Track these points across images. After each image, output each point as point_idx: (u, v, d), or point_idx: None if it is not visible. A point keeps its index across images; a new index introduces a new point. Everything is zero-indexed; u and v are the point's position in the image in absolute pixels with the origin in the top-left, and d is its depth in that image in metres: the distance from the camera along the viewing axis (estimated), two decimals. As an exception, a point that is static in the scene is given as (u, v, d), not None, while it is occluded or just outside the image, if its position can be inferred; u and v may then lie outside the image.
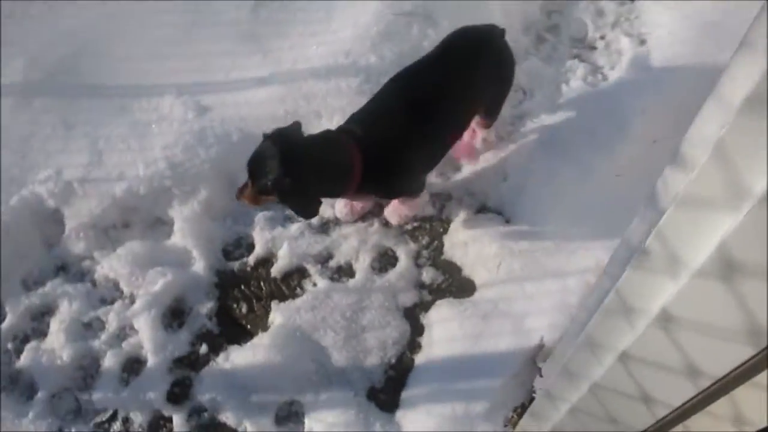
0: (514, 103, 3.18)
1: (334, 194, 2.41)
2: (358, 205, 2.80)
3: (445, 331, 2.54)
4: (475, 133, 2.89)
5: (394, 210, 2.79)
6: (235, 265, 2.83)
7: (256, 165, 2.21)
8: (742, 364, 1.08)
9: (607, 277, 1.54)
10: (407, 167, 2.45)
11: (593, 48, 3.38)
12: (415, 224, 2.85)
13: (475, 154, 2.93)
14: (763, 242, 0.89)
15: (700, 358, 1.18)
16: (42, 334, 2.74)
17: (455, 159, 2.94)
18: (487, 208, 2.84)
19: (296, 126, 2.27)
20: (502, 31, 2.58)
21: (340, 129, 2.37)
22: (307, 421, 2.48)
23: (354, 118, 2.41)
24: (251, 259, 2.83)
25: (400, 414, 2.46)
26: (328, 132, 2.36)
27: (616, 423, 1.58)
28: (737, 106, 0.83)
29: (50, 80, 3.21)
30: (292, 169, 2.13)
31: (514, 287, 2.58)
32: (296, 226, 2.84)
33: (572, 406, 1.75)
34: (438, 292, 2.71)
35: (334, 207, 2.84)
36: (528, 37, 3.42)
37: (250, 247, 2.87)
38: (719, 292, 1.00)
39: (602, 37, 3.41)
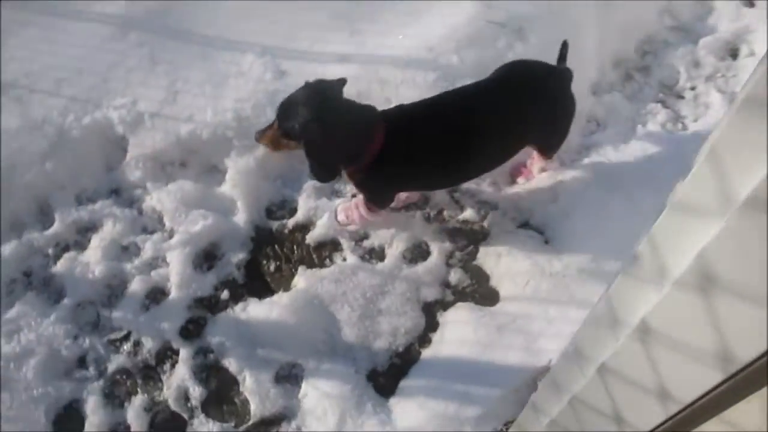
0: (585, 133, 3.15)
1: (345, 161, 2.41)
2: (363, 214, 2.75)
3: (458, 333, 2.53)
4: (534, 159, 2.85)
5: (348, 208, 2.76)
6: (275, 224, 2.90)
7: (287, 107, 2.28)
8: (710, 391, 1.04)
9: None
10: (406, 174, 2.47)
11: (680, 97, 3.31)
12: (457, 225, 2.85)
13: (533, 176, 2.90)
14: (741, 254, 0.86)
15: (671, 378, 1.14)
16: (82, 247, 2.86)
17: (511, 176, 2.93)
18: (529, 225, 2.81)
19: (340, 83, 2.32)
20: (570, 74, 2.53)
21: (382, 111, 2.42)
22: (304, 385, 2.50)
23: (397, 108, 2.45)
24: (290, 223, 2.89)
25: (394, 401, 2.45)
26: (367, 105, 2.39)
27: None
28: (734, 107, 0.80)
29: (147, 18, 3.37)
30: (322, 118, 2.17)
31: (537, 307, 2.54)
32: (341, 201, 2.87)
33: (552, 419, 1.72)
34: (461, 295, 2.70)
35: (336, 212, 2.85)
36: (616, 72, 3.38)
37: (293, 211, 2.93)
38: (695, 306, 0.96)
39: (692, 88, 3.34)
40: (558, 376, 1.68)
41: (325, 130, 2.20)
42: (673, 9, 3.60)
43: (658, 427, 1.18)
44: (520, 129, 2.49)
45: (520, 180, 2.91)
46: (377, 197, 2.62)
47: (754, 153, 0.78)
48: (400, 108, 2.45)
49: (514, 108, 2.42)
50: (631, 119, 3.20)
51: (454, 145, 2.37)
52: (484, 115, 2.39)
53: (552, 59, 3.09)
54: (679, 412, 1.10)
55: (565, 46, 2.58)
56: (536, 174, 2.89)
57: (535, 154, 2.78)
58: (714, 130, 0.85)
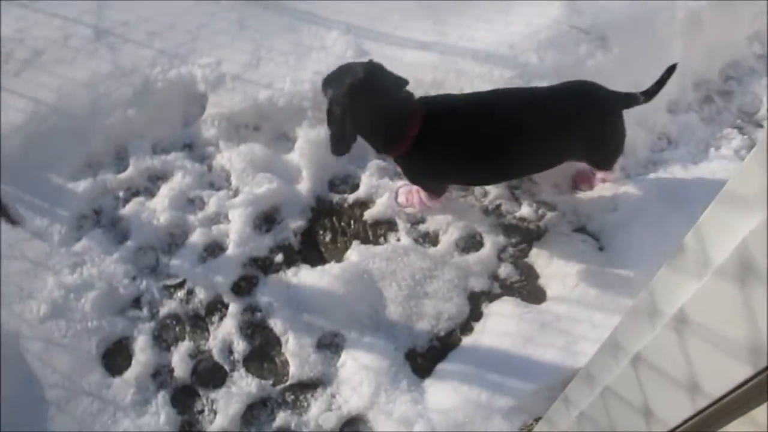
0: (654, 149, 3.14)
1: (378, 145, 2.51)
2: (423, 199, 2.82)
3: (501, 325, 2.56)
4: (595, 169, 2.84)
5: (409, 192, 2.84)
6: (336, 197, 2.97)
7: (336, 73, 2.37)
8: (740, 386, 1.05)
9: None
10: (442, 166, 2.50)
11: (759, 125, 3.26)
12: (513, 221, 2.87)
13: (595, 184, 2.91)
14: None
15: (702, 370, 1.15)
16: (151, 194, 2.98)
17: (573, 182, 2.94)
18: (585, 231, 2.82)
19: (400, 81, 2.41)
20: (629, 100, 2.52)
21: (426, 99, 2.48)
22: (343, 354, 2.57)
23: (442, 97, 2.50)
24: (351, 198, 2.96)
25: (428, 382, 2.50)
26: (409, 94, 2.43)
27: (617, 437, 1.56)
28: None
29: (241, -15, 3.49)
30: (352, 97, 2.26)
31: (583, 311, 2.55)
32: (403, 183, 2.92)
33: (581, 411, 1.73)
34: (508, 289, 2.73)
35: (397, 193, 2.92)
36: (696, 93, 3.34)
37: (355, 187, 3.00)
38: (732, 296, 0.98)
39: (773, 119, 3.28)
40: (592, 367, 1.70)
41: (349, 108, 2.27)
42: (763, 36, 3.53)
43: (686, 422, 1.20)
44: (560, 145, 2.50)
45: (583, 187, 2.92)
46: (420, 183, 2.68)
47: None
48: (445, 98, 2.50)
49: (559, 123, 2.43)
50: (705, 141, 3.17)
51: (489, 143, 2.41)
52: (527, 121, 2.42)
53: (631, 72, 3.10)
54: (708, 407, 1.11)
55: (671, 70, 2.56)
56: (598, 184, 2.89)
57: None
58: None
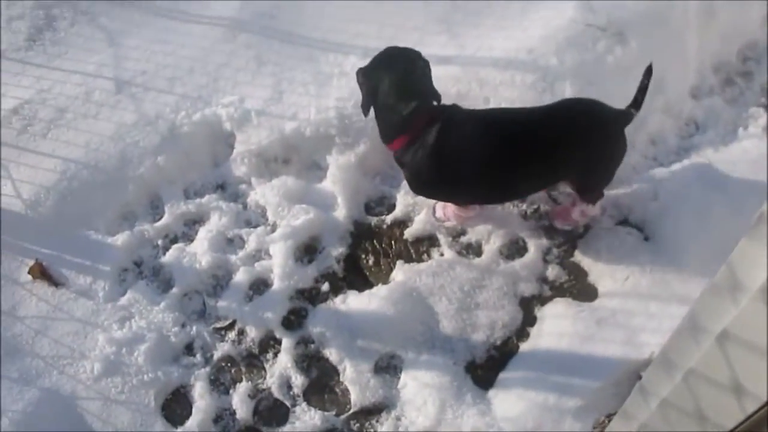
0: (684, 135, 3.14)
1: (382, 130, 2.58)
2: (455, 211, 2.83)
3: (556, 327, 2.54)
4: (575, 200, 2.76)
5: (445, 206, 2.86)
6: (373, 220, 2.97)
7: (386, 56, 2.54)
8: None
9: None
10: (432, 174, 2.50)
11: (784, 101, 3.26)
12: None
13: (571, 220, 2.82)
14: None
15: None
16: (189, 239, 2.99)
17: (549, 217, 2.89)
18: (628, 222, 2.81)
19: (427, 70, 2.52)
20: (625, 121, 2.46)
21: (443, 106, 2.51)
22: (403, 375, 2.55)
23: (450, 108, 2.52)
24: (389, 218, 2.96)
25: (492, 392, 2.48)
26: (429, 100, 2.48)
27: (705, 421, 1.53)
28: None
29: (256, 21, 3.52)
30: (383, 84, 2.45)
31: (638, 303, 2.53)
32: (439, 199, 2.92)
33: (662, 400, 1.70)
34: (559, 290, 2.71)
35: (434, 209, 2.92)
36: (717, 76, 3.34)
37: (391, 207, 3.00)
38: None
39: (797, 93, 3.27)
40: (669, 352, 1.67)
41: (368, 85, 2.49)
42: (776, 16, 3.54)
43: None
44: (556, 163, 2.47)
45: (559, 222, 2.86)
46: (421, 193, 2.69)
47: None
48: (452, 109, 2.50)
49: (557, 141, 2.40)
50: (732, 122, 3.17)
51: (485, 159, 2.41)
52: (524, 140, 2.40)
53: (653, 62, 3.10)
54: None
55: (648, 74, 2.47)
56: (577, 219, 2.81)
57: (576, 197, 2.73)
58: None
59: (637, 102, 2.46)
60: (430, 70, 2.55)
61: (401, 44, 3.25)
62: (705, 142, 3.08)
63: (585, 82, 3.02)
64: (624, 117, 2.46)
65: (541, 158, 2.42)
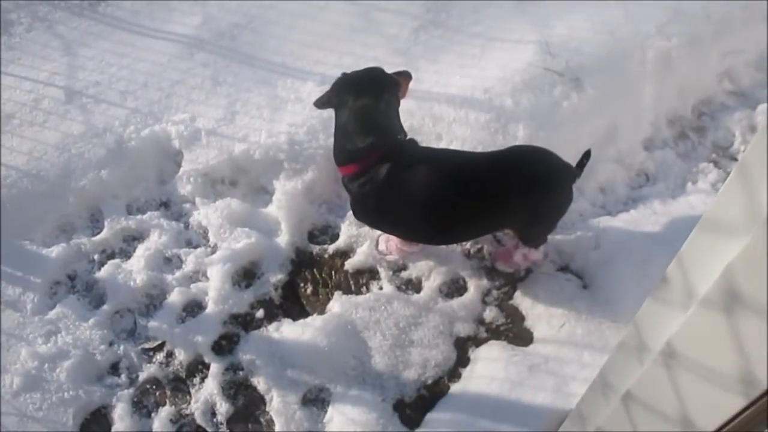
0: (633, 186, 3.15)
1: (335, 149, 2.50)
2: (398, 245, 2.80)
3: (489, 370, 2.50)
4: (518, 243, 2.73)
5: (388, 239, 2.84)
6: (316, 248, 2.92)
7: (365, 79, 2.51)
8: (733, 418, 1.01)
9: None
10: (373, 209, 2.48)
11: (734, 159, 3.28)
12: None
13: (513, 263, 2.79)
14: (765, 270, 0.84)
15: (694, 405, 1.11)
16: (127, 255, 2.92)
17: (493, 261, 2.86)
18: (569, 269, 2.80)
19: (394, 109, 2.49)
20: (573, 176, 2.47)
21: (400, 142, 2.46)
22: (330, 409, 2.50)
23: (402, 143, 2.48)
24: (331, 248, 2.91)
25: (418, 433, 2.43)
26: (389, 136, 2.43)
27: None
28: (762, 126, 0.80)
29: (216, 41, 3.49)
30: (348, 109, 2.42)
31: (571, 351, 2.51)
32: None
33: (576, 457, 1.68)
34: (495, 333, 2.68)
35: (378, 241, 2.89)
36: (671, 129, 3.37)
37: (334, 237, 2.96)
38: (719, 327, 0.95)
39: (747, 152, 3.29)
40: (583, 407, 1.65)
41: (337, 99, 2.46)
42: (733, 74, 3.59)
43: (681, 458, 1.15)
44: (500, 213, 2.44)
45: (499, 265, 2.83)
46: (361, 220, 2.65)
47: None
48: (407, 145, 2.48)
49: (503, 191, 2.38)
50: (682, 176, 3.19)
51: (430, 201, 2.38)
52: (471, 187, 2.37)
53: (607, 112, 3.13)
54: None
55: (587, 156, 2.51)
56: (519, 262, 2.78)
57: (518, 241, 2.70)
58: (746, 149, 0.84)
59: (578, 172, 2.51)
60: (398, 102, 2.54)
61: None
62: (654, 194, 3.08)
63: (538, 125, 3.02)
64: (572, 173, 2.46)
65: (486, 207, 2.40)
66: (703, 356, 1.03)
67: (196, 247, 2.93)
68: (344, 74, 2.52)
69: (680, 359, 1.08)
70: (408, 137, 2.51)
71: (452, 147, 2.94)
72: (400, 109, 3.01)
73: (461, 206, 2.38)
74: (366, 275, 2.84)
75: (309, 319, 2.70)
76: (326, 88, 3.17)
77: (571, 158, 2.48)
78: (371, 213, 2.53)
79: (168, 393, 2.59)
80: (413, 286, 2.80)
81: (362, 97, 2.40)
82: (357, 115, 2.39)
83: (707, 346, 1.02)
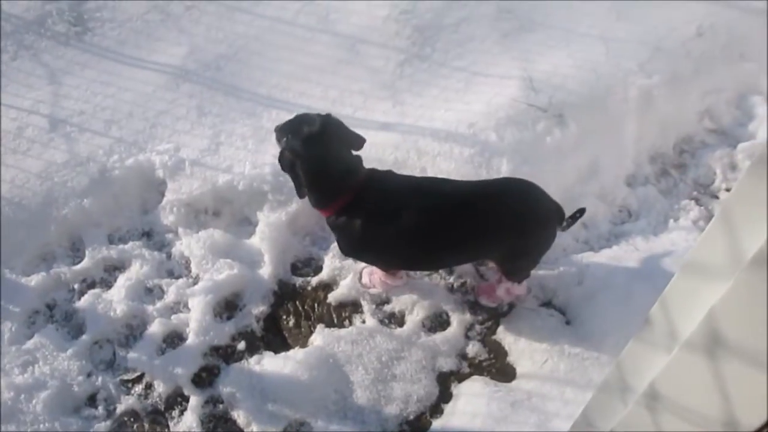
0: (616, 222, 3.16)
1: (312, 197, 2.44)
2: (382, 278, 2.80)
3: (471, 406, 2.49)
4: (501, 278, 2.71)
5: (371, 272, 2.83)
6: (298, 281, 2.91)
7: (296, 120, 2.43)
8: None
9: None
10: (363, 239, 2.43)
11: (715, 197, 3.31)
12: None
13: (496, 298, 2.79)
14: (747, 313, 0.85)
15: (677, 449, 1.11)
16: (107, 285, 2.90)
17: (476, 296, 2.85)
18: (551, 305, 2.79)
19: (359, 140, 2.45)
20: (561, 215, 2.48)
21: (373, 171, 2.48)
22: (310, 445, 2.47)
23: (385, 173, 2.49)
24: (314, 280, 2.90)
25: (399, 469, 2.40)
26: (359, 158, 2.44)
27: None
28: (745, 170, 0.80)
29: (201, 72, 3.48)
30: (303, 148, 2.32)
31: (554, 387, 2.50)
32: (367, 264, 2.88)
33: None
34: (477, 368, 2.66)
35: (361, 274, 2.88)
36: (652, 166, 3.39)
37: (318, 269, 2.94)
38: (702, 369, 0.95)
39: (728, 189, 3.33)
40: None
41: (301, 157, 2.33)
42: (713, 112, 3.63)
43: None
44: (485, 241, 2.44)
45: (482, 300, 2.82)
46: (352, 256, 2.66)
47: (763, 211, 0.79)
48: (389, 175, 2.49)
49: (490, 219, 2.38)
50: (664, 213, 3.20)
51: (415, 227, 2.37)
52: (457, 212, 2.36)
53: (589, 148, 3.16)
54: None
55: (580, 212, 2.56)
56: (501, 297, 2.77)
57: (501, 275, 2.69)
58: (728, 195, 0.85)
59: (567, 224, 2.54)
60: (340, 122, 2.47)
61: (346, 107, 3.29)
62: (636, 230, 3.10)
63: (522, 160, 3.05)
64: (560, 212, 2.47)
65: (472, 233, 2.38)
66: (686, 398, 1.03)
67: (177, 278, 2.91)
68: (277, 127, 2.49)
69: (663, 401, 1.08)
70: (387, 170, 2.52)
71: (436, 180, 2.95)
72: (387, 141, 3.04)
73: (448, 231, 2.37)
74: (349, 308, 2.82)
75: (291, 352, 2.67)
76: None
77: (554, 193, 2.49)
78: (358, 245, 2.50)
79: (146, 426, 2.55)
80: (396, 319, 2.79)
81: (314, 145, 2.34)
82: (319, 161, 2.35)
83: (690, 389, 1.02)
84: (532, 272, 2.70)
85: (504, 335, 2.73)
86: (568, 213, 2.52)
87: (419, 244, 2.43)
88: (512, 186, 2.48)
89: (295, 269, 2.96)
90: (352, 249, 2.56)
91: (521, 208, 2.40)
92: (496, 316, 2.79)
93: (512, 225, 2.38)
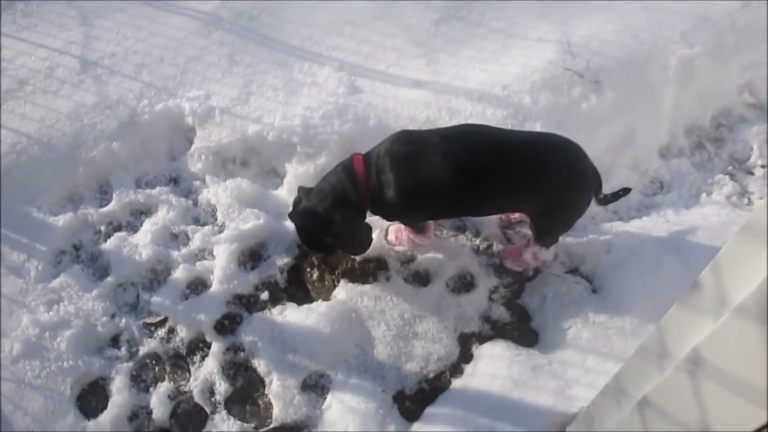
0: (647, 192, 3.12)
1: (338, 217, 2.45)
2: (410, 235, 2.78)
3: (491, 368, 2.47)
4: (528, 242, 2.70)
5: (398, 229, 2.81)
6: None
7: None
8: (756, 432, 0.98)
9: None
10: (402, 200, 2.39)
11: (750, 173, 3.24)
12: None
13: (522, 261, 2.76)
14: None
15: (716, 416, 1.08)
16: (133, 229, 2.90)
17: (501, 258, 2.82)
18: (578, 272, 2.75)
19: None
20: (599, 184, 2.46)
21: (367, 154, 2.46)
22: (329, 396, 2.48)
23: (407, 133, 2.46)
24: (340, 235, 2.88)
25: (417, 426, 2.39)
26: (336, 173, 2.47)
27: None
28: None
29: (234, 20, 3.46)
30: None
31: (576, 355, 2.47)
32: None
33: (582, 459, 1.65)
34: (500, 331, 2.64)
35: (387, 231, 2.86)
36: (688, 139, 3.33)
37: (344, 224, 2.92)
38: (752, 337, 0.92)
39: (763, 166, 3.26)
40: (594, 410, 1.62)
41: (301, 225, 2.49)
42: (753, 86, 3.54)
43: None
44: (524, 194, 2.41)
45: (508, 263, 2.80)
46: (404, 220, 2.67)
47: None
48: (410, 135, 2.45)
49: (531, 168, 2.34)
50: (697, 187, 3.15)
51: (459, 169, 2.31)
52: (497, 160, 2.33)
53: (624, 116, 3.10)
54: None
55: (624, 191, 2.55)
56: (527, 261, 2.74)
57: (530, 238, 2.67)
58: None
59: (607, 199, 2.52)
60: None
61: (379, 63, 3.24)
62: (667, 203, 3.05)
63: (555, 124, 2.99)
64: (599, 178, 2.44)
65: (513, 181, 2.35)
66: (732, 366, 1.00)
67: (203, 225, 2.91)
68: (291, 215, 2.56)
69: (706, 367, 1.05)
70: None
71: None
72: (419, 99, 3.00)
73: (489, 177, 2.33)
74: (373, 264, 2.80)
75: (313, 305, 2.67)
76: (344, 74, 3.19)
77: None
78: (404, 197, 2.41)
79: (167, 369, 2.57)
80: (420, 278, 2.77)
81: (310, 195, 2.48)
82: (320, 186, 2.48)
83: (737, 356, 0.99)
84: (560, 239, 2.67)
85: (528, 300, 2.71)
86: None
87: (462, 187, 2.35)
88: (558, 141, 2.43)
89: (321, 223, 2.94)
90: (403, 209, 2.50)
91: (564, 163, 2.36)
92: (521, 280, 2.76)
93: (554, 176, 2.35)
